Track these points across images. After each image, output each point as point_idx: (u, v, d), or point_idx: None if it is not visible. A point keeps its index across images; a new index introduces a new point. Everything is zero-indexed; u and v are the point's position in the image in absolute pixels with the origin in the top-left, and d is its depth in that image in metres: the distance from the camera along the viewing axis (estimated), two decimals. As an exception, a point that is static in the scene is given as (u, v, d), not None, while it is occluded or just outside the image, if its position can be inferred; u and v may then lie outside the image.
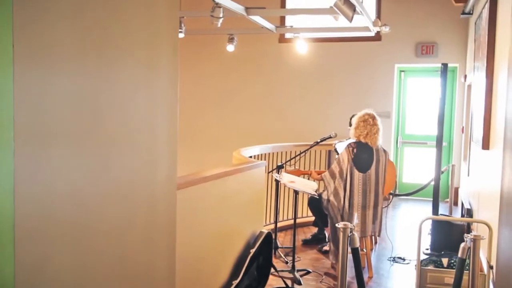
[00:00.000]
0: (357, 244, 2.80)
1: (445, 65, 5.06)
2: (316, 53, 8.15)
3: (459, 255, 2.69)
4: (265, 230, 3.74)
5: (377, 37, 7.93)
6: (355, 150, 4.32)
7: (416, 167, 8.40)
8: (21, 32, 0.96)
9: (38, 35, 1.01)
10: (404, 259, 4.88)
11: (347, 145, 4.40)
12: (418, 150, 8.41)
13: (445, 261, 3.67)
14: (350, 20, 4.93)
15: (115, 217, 1.35)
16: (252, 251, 3.38)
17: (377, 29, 6.73)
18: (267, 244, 3.71)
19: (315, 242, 5.37)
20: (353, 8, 4.88)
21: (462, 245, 2.69)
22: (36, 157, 1.03)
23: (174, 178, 1.66)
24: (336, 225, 2.88)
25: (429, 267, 3.61)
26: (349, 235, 2.73)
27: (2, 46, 0.95)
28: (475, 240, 2.60)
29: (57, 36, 1.07)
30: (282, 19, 8.34)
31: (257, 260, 3.58)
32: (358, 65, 8.21)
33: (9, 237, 0.98)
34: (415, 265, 3.54)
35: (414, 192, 6.94)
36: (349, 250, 2.92)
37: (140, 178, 1.46)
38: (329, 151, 6.44)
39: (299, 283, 4.12)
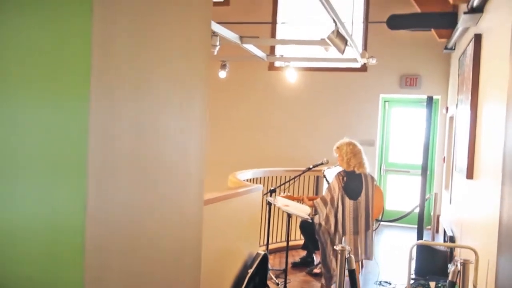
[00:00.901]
0: (354, 266, 2.97)
1: (430, 98, 5.32)
2: (305, 82, 8.40)
3: (450, 278, 2.87)
4: (262, 252, 3.88)
5: (363, 68, 8.23)
6: (345, 179, 4.50)
7: (398, 194, 8.64)
8: (98, 70, 1.12)
9: (108, 72, 1.17)
10: (390, 283, 5.05)
11: (337, 174, 4.58)
12: (400, 178, 8.66)
13: (432, 284, 3.85)
14: (342, 52, 5.18)
15: (159, 230, 1.49)
16: (250, 271, 3.51)
17: (364, 60, 7.02)
18: (263, 265, 3.84)
19: (304, 265, 5.51)
20: (345, 41, 5.13)
21: (452, 268, 2.87)
22: (103, 180, 1.18)
23: (202, 196, 1.82)
24: (334, 247, 3.04)
25: (417, 290, 3.78)
26: (346, 257, 2.89)
27: (83, 78, 1.11)
28: (465, 264, 2.79)
29: (120, 75, 1.23)
30: (272, 48, 8.60)
31: (253, 281, 3.70)
32: (345, 94, 8.48)
33: (80, 249, 1.12)
34: (414, 278, 3.70)
35: (399, 219, 7.15)
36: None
37: (176, 196, 1.61)
38: (318, 177, 6.63)
39: (291, 305, 4.24)
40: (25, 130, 1.11)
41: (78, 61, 1.08)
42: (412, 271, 5.31)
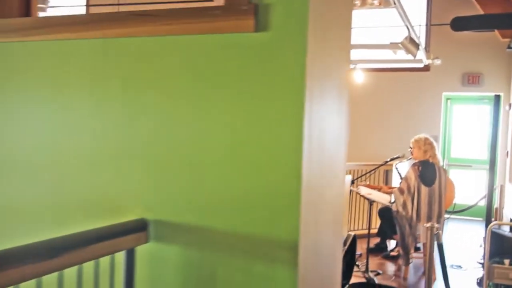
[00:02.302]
0: (442, 240, 3.49)
1: (497, 96, 5.72)
2: (369, 82, 8.84)
3: (525, 251, 3.35)
4: (352, 233, 4.44)
5: (426, 68, 8.62)
6: (420, 168, 5.02)
7: (461, 188, 8.97)
8: (308, 93, 1.73)
9: (311, 92, 1.78)
10: (461, 267, 5.51)
11: (413, 165, 5.11)
12: (463, 172, 8.99)
13: (507, 261, 4.30)
14: (415, 56, 5.68)
15: (326, 211, 2.11)
16: (344, 249, 4.08)
17: (429, 61, 7.46)
18: (353, 245, 4.40)
19: (378, 250, 6.04)
20: (417, 45, 5.62)
21: (527, 243, 3.36)
22: (309, 161, 1.78)
23: (344, 182, 2.43)
24: (424, 225, 3.57)
25: (494, 265, 4.25)
26: (435, 233, 3.42)
27: (300, 87, 1.72)
28: (539, 239, 3.27)
29: (314, 92, 1.84)
30: (336, 49, 9.10)
31: (346, 257, 4.27)
32: (409, 93, 8.90)
33: (297, 208, 1.73)
34: (482, 263, 4.18)
35: (464, 210, 7.55)
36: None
37: (333, 179, 2.22)
38: (387, 171, 7.13)
39: (374, 281, 4.79)
40: (270, 134, 1.73)
41: (297, 91, 1.70)
42: (481, 257, 5.75)
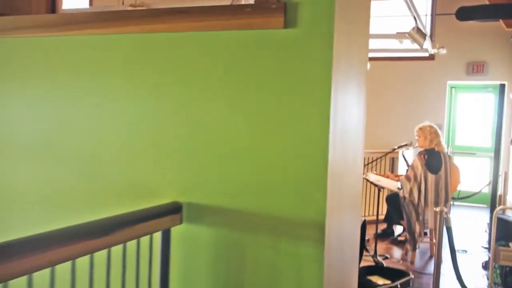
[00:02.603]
0: (451, 224, 3.64)
1: (502, 86, 5.84)
2: (375, 71, 8.94)
3: (530, 234, 3.50)
4: (362, 218, 4.59)
5: (431, 57, 8.73)
6: (426, 156, 5.17)
7: (465, 175, 9.11)
8: (333, 90, 1.86)
9: (336, 90, 1.92)
10: (466, 251, 5.67)
11: (418, 153, 5.25)
12: (467, 159, 9.13)
13: None
14: (422, 46, 5.79)
15: (346, 194, 2.26)
16: (355, 233, 4.24)
17: (435, 51, 7.57)
18: (363, 230, 4.56)
19: (384, 236, 6.20)
20: (424, 36, 5.74)
21: (532, 227, 3.51)
22: (333, 147, 1.92)
23: (362, 169, 2.57)
24: (435, 209, 3.72)
25: (500, 248, 4.41)
26: (444, 217, 3.57)
27: (326, 80, 1.85)
28: (544, 222, 3.42)
29: (339, 88, 1.97)
30: (342, 39, 9.19)
31: (356, 242, 4.42)
32: (414, 82, 9.01)
33: (324, 188, 1.87)
34: (487, 247, 4.33)
35: (468, 197, 7.70)
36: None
37: (353, 167, 2.36)
38: (393, 159, 7.27)
39: (382, 265, 4.95)
40: (300, 126, 1.87)
41: (324, 84, 1.83)
42: (486, 242, 5.90)
